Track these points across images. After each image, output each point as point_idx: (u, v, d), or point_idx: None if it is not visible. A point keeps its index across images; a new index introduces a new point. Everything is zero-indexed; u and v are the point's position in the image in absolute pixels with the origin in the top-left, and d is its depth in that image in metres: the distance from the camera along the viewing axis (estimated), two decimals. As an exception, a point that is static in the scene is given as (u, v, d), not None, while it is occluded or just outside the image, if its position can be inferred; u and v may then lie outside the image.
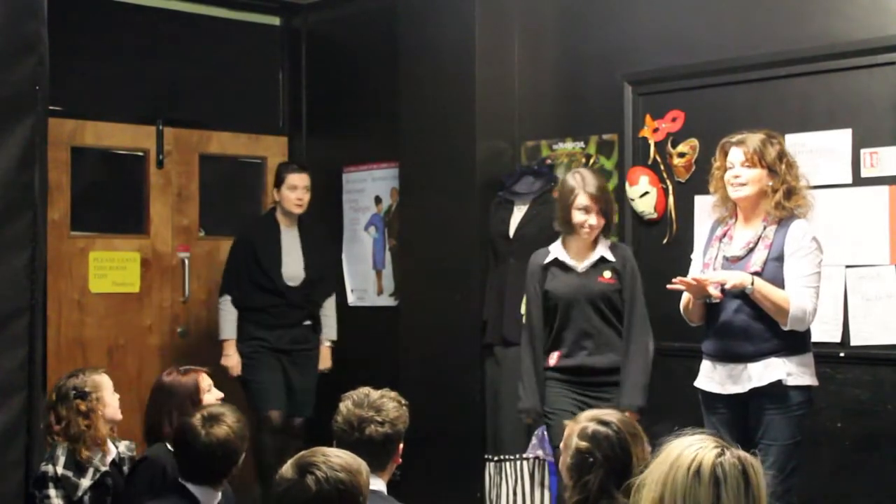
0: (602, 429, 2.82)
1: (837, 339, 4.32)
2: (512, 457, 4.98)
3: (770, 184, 3.84)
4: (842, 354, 4.31)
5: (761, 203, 3.87)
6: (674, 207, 4.85)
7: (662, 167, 4.88)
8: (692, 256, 4.11)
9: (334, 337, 5.83)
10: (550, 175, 5.25)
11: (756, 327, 3.78)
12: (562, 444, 2.93)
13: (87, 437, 3.77)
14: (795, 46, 4.48)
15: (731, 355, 3.84)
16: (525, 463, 4.91)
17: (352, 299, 6.23)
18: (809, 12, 4.47)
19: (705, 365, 3.95)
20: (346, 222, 6.29)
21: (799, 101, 4.47)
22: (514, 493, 4.96)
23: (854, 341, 4.29)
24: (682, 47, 4.83)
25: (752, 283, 3.74)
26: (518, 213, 5.22)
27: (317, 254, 5.73)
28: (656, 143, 4.91)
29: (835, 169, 4.35)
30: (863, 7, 4.33)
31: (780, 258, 3.80)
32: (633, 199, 4.96)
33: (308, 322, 5.71)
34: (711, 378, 3.91)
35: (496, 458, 5.05)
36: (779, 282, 3.78)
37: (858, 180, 4.31)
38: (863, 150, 4.30)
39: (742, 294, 3.79)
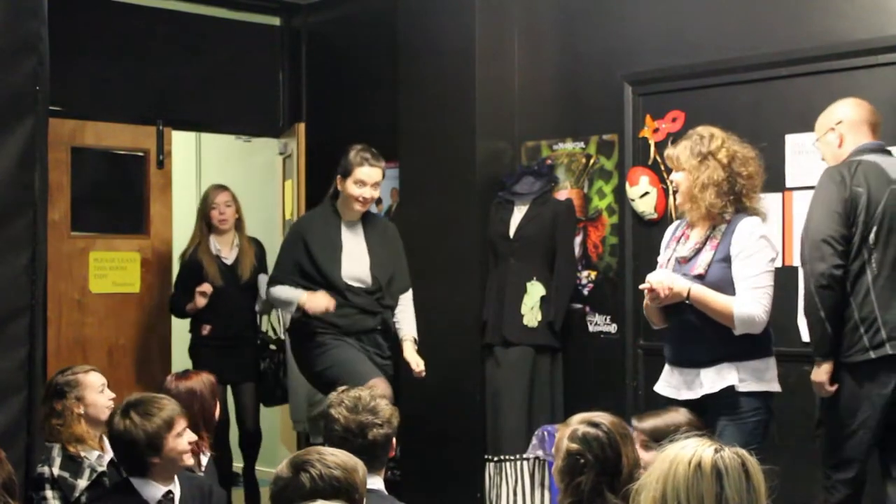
0: (592, 430, 2.82)
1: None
2: (512, 457, 4.99)
3: (697, 185, 3.70)
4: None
5: (695, 205, 3.75)
6: (674, 208, 4.84)
7: (663, 167, 4.88)
8: (658, 259, 4.03)
9: (415, 333, 4.99)
10: (551, 175, 5.25)
11: (709, 331, 3.68)
12: (553, 449, 2.93)
13: (64, 435, 3.78)
14: (795, 46, 4.48)
15: (686, 360, 3.76)
16: (525, 463, 4.92)
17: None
18: (809, 12, 4.47)
19: (665, 369, 3.88)
20: (346, 222, 6.29)
21: (799, 101, 4.47)
22: (514, 493, 4.96)
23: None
24: (682, 47, 4.83)
25: (688, 296, 3.65)
26: (518, 214, 5.22)
27: (385, 253, 4.93)
28: (656, 144, 4.91)
29: (835, 169, 4.34)
30: (863, 7, 4.33)
31: (726, 259, 3.69)
32: (633, 200, 4.97)
33: (379, 327, 4.92)
34: (669, 383, 3.84)
35: (496, 458, 5.06)
36: (725, 283, 3.68)
37: (859, 180, 4.30)
38: (863, 150, 4.30)
39: None
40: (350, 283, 4.78)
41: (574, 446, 2.81)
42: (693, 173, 3.73)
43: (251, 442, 5.90)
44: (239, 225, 5.84)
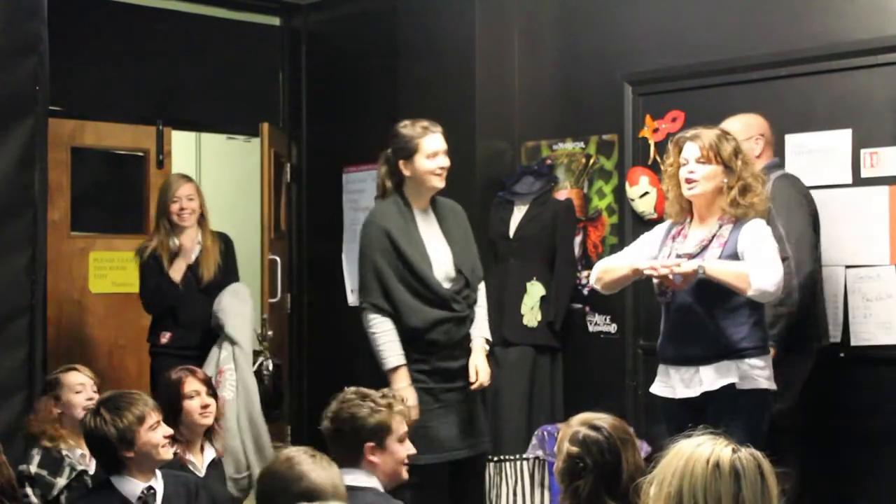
0: (593, 434, 2.80)
1: (837, 339, 4.32)
2: (512, 457, 4.98)
3: (725, 181, 3.72)
4: (842, 354, 4.30)
5: (716, 201, 3.75)
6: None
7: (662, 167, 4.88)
8: (633, 246, 4.02)
9: (488, 334, 4.35)
10: (550, 175, 5.25)
11: (708, 329, 3.68)
12: (555, 448, 2.93)
13: (40, 433, 3.80)
14: (795, 46, 4.48)
15: (684, 358, 3.74)
16: (525, 463, 4.91)
17: (352, 299, 6.22)
18: (809, 12, 4.48)
19: (660, 369, 3.86)
20: (346, 222, 6.28)
21: (799, 101, 4.48)
22: (514, 493, 4.95)
23: (854, 341, 4.29)
24: (682, 47, 4.83)
25: (704, 270, 3.58)
26: (518, 214, 5.21)
27: (463, 238, 4.36)
28: (656, 144, 4.91)
29: (835, 169, 4.35)
30: (863, 7, 4.33)
31: (734, 255, 3.68)
32: (633, 200, 4.97)
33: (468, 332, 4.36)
34: (665, 383, 3.82)
35: (496, 458, 5.05)
36: None
37: (858, 180, 4.31)
38: (863, 150, 4.31)
39: (695, 294, 3.70)
40: (443, 283, 4.20)
41: (574, 449, 2.79)
42: (730, 170, 3.71)
43: None
44: (202, 221, 5.24)
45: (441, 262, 4.23)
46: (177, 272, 5.11)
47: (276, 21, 6.65)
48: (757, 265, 3.60)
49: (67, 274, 5.74)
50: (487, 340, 4.32)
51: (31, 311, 3.78)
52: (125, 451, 3.24)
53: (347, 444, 3.15)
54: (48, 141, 4.07)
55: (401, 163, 4.22)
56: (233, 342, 5.00)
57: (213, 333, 5.12)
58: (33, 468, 3.72)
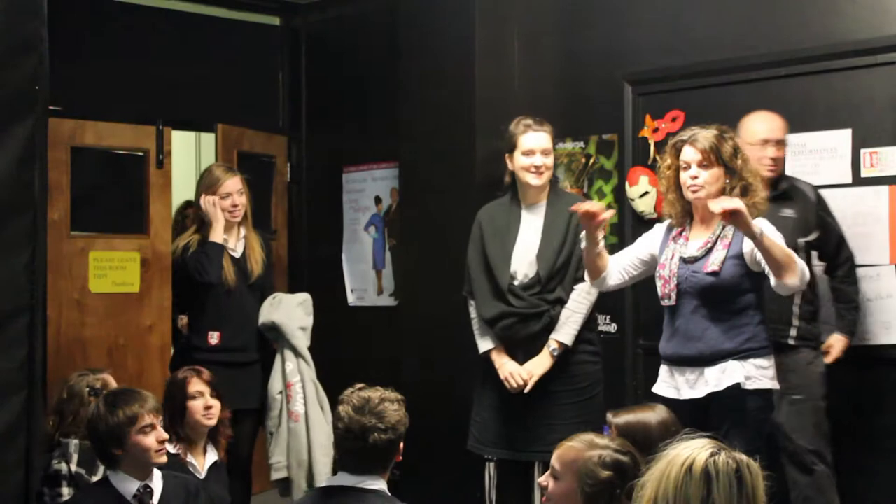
0: (623, 458, 2.82)
1: (837, 339, 4.32)
2: (512, 457, 4.97)
3: (727, 181, 3.71)
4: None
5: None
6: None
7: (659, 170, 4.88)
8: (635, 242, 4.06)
9: (564, 339, 4.29)
10: (550, 175, 5.25)
11: (713, 330, 3.68)
12: (575, 469, 2.93)
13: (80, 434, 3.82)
14: (795, 46, 4.48)
15: (688, 359, 3.74)
16: (525, 463, 4.91)
17: (352, 299, 6.23)
18: (809, 12, 4.48)
19: (663, 370, 3.87)
20: (346, 222, 6.30)
21: (799, 101, 4.48)
22: (514, 493, 4.95)
23: (854, 341, 4.29)
24: (682, 47, 4.84)
25: (763, 234, 3.47)
26: (518, 213, 5.22)
27: (559, 235, 4.28)
28: (656, 143, 4.91)
29: (835, 169, 4.36)
30: (863, 7, 4.34)
31: (739, 256, 3.68)
32: (633, 199, 4.97)
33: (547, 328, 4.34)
34: (669, 383, 3.83)
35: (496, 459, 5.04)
36: (740, 280, 3.68)
37: (858, 180, 4.32)
38: (863, 150, 4.31)
39: (699, 295, 3.70)
40: (515, 280, 4.29)
41: (607, 473, 2.78)
42: (731, 171, 3.70)
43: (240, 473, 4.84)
44: (245, 214, 4.98)
45: (524, 258, 4.30)
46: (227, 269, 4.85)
47: (275, 21, 6.66)
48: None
49: (67, 274, 5.74)
50: (560, 345, 4.28)
51: (31, 311, 3.77)
52: (114, 448, 3.25)
53: (391, 451, 3.15)
54: (48, 140, 4.06)
55: (506, 157, 4.43)
56: (297, 354, 4.94)
57: (263, 336, 4.97)
58: (73, 466, 3.74)
